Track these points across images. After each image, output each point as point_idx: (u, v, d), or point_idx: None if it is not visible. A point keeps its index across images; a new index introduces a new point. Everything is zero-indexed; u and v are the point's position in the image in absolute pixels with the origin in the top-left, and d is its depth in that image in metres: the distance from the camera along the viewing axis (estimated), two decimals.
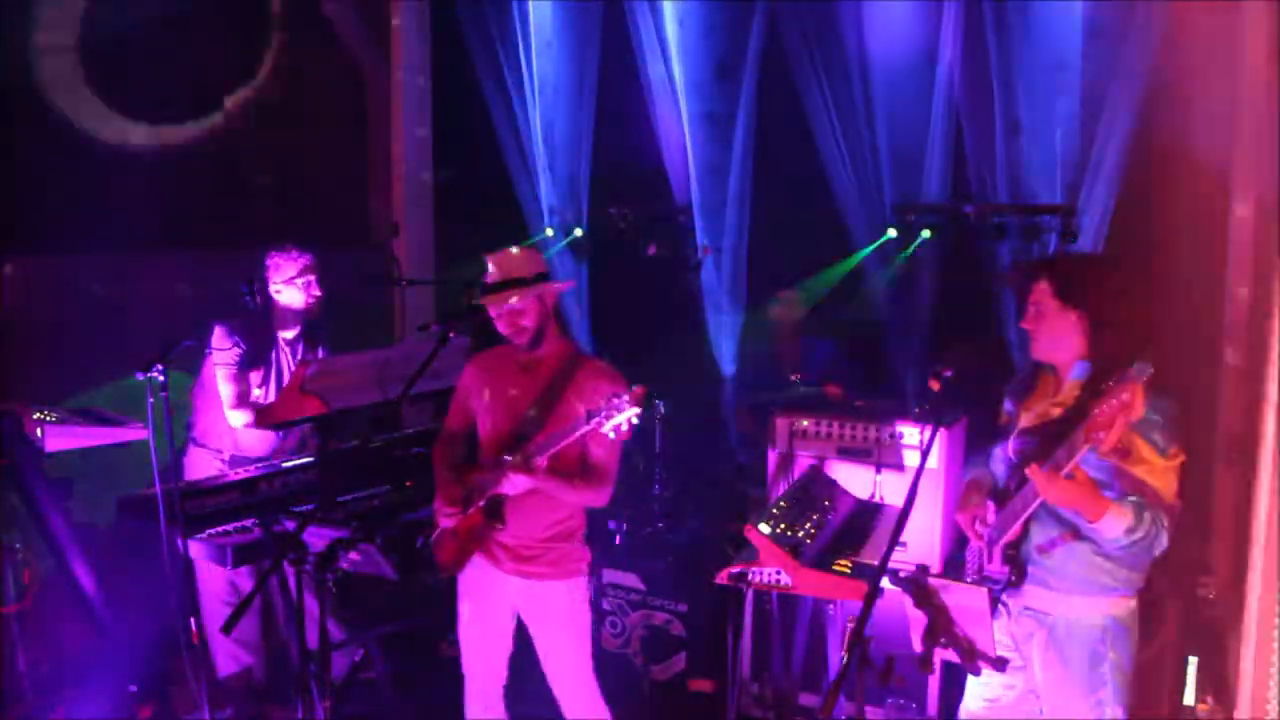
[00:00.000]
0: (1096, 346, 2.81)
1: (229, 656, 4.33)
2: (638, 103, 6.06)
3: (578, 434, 2.85)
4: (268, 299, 4.18)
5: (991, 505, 2.94)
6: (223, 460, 4.23)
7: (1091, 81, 4.64)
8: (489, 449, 3.20)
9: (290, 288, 4.17)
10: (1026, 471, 2.62)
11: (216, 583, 4.17)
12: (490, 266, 3.13)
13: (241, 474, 3.85)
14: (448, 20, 6.44)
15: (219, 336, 4.10)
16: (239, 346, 4.12)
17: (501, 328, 3.12)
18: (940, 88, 5.10)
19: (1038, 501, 2.68)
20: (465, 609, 3.30)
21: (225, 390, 4.13)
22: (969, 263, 5.18)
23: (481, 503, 3.08)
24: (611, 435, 2.77)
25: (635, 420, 2.74)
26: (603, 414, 2.76)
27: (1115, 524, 2.60)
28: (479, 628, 3.29)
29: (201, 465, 4.23)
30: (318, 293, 4.22)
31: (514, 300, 3.05)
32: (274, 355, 4.26)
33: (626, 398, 2.75)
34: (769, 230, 5.93)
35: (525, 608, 3.23)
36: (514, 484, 2.97)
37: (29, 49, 4.76)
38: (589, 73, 6.27)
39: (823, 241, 5.65)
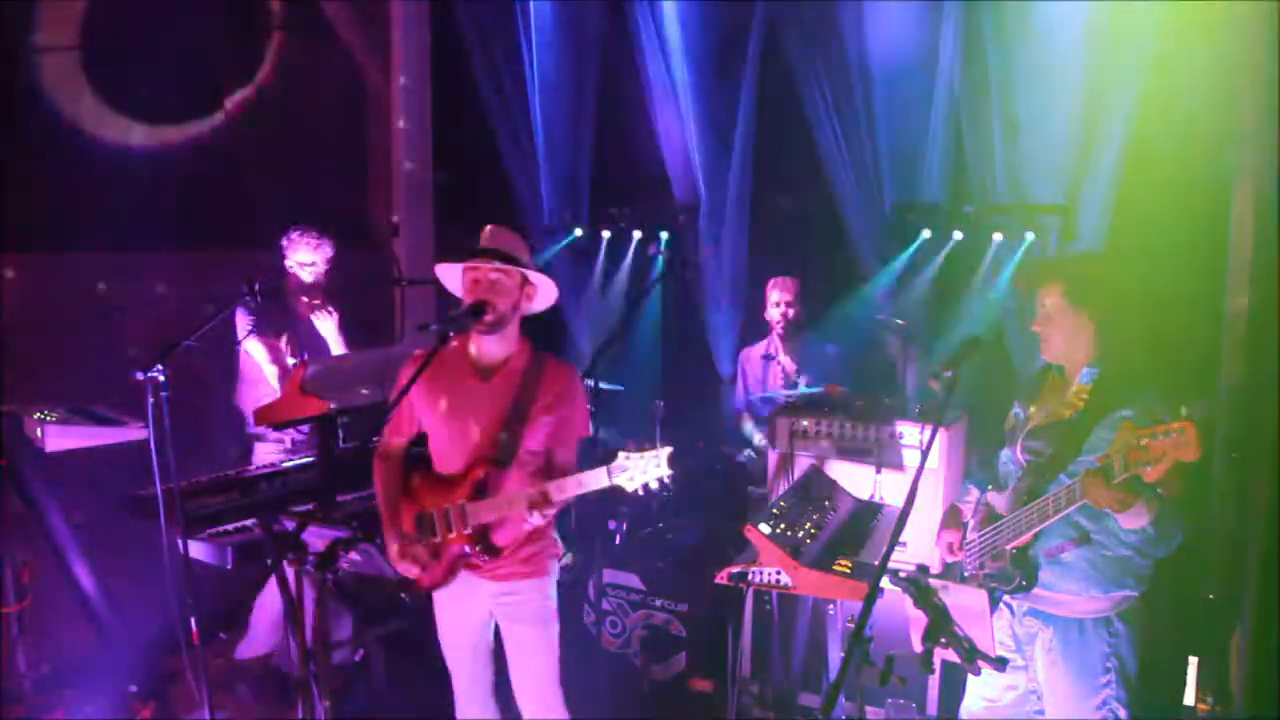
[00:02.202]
0: (1107, 348, 2.82)
1: (262, 642, 4.34)
2: (638, 103, 6.06)
3: (592, 488, 2.78)
4: (283, 272, 4.39)
5: (978, 513, 2.96)
6: (284, 449, 4.31)
7: (1091, 81, 4.64)
8: (447, 464, 3.08)
9: (304, 271, 4.39)
10: (1084, 481, 2.60)
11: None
12: (487, 233, 3.06)
13: (241, 474, 3.85)
14: (447, 20, 6.44)
15: (240, 319, 4.25)
16: (256, 318, 4.27)
17: (470, 295, 2.98)
18: (940, 88, 5.10)
19: (1059, 515, 2.68)
20: (443, 617, 3.25)
21: (261, 359, 4.29)
22: (969, 262, 5.18)
23: (467, 531, 2.98)
24: (641, 493, 2.71)
25: (666, 481, 2.68)
26: (626, 474, 2.68)
27: (1139, 516, 2.61)
28: (459, 634, 3.24)
29: (265, 456, 4.31)
30: (322, 282, 4.43)
31: (486, 271, 2.97)
32: (297, 322, 4.42)
33: (653, 457, 2.67)
34: (769, 230, 5.93)
35: (497, 607, 3.18)
36: (533, 523, 2.91)
37: (29, 49, 4.76)
38: (589, 73, 6.27)
39: (823, 241, 5.65)
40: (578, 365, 3.36)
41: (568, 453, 3.07)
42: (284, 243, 4.39)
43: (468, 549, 3.01)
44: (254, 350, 4.30)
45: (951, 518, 3.15)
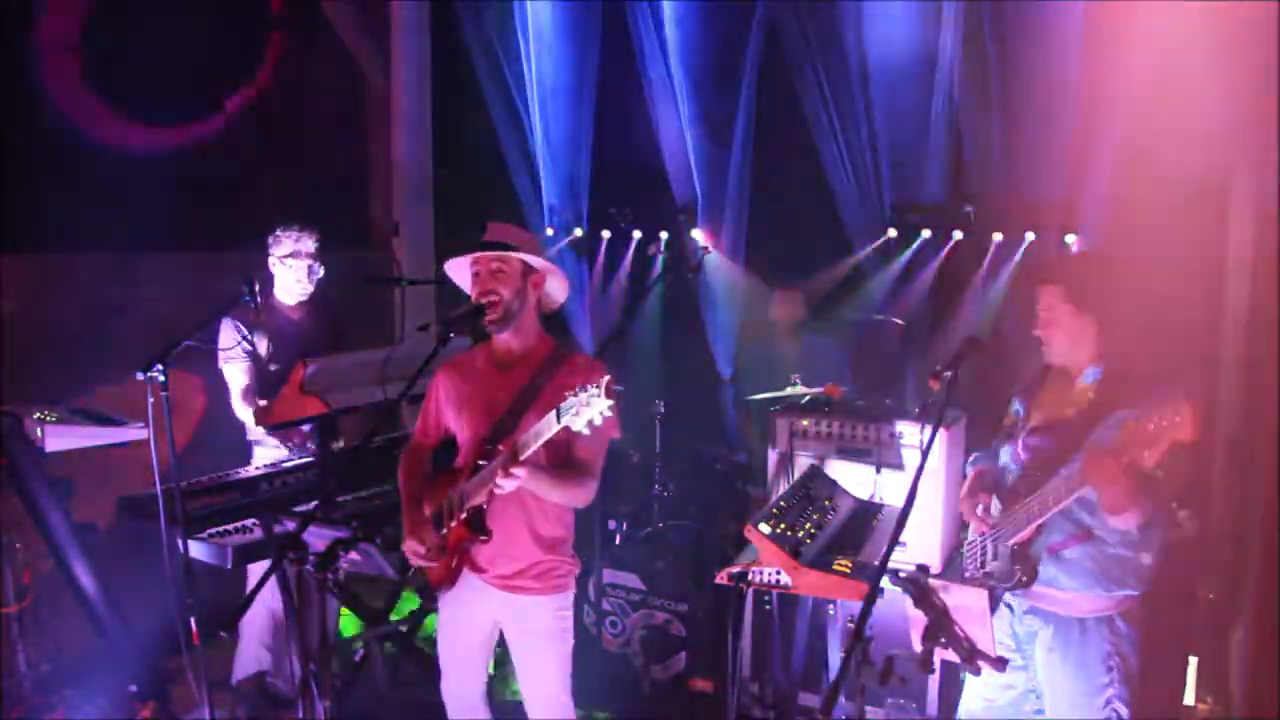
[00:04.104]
0: (1109, 348, 2.82)
1: (251, 659, 4.33)
2: (638, 103, 6.07)
3: (549, 435, 2.70)
4: (269, 283, 4.23)
5: (995, 500, 2.95)
6: (290, 446, 4.24)
7: (1091, 81, 4.64)
8: (467, 455, 3.09)
9: (284, 267, 4.22)
10: (1085, 453, 2.61)
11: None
12: (486, 230, 3.06)
13: (241, 474, 3.85)
14: (448, 20, 6.45)
15: (225, 330, 4.14)
16: (245, 339, 4.16)
17: (474, 289, 3.01)
18: (940, 88, 5.10)
19: (1059, 506, 2.69)
20: (445, 613, 3.23)
21: (233, 384, 4.18)
22: (969, 263, 5.18)
23: (463, 515, 2.96)
24: (586, 432, 2.62)
25: (607, 413, 2.58)
26: (571, 410, 2.61)
27: (1130, 519, 2.62)
28: (459, 633, 3.21)
29: (265, 459, 4.23)
30: (318, 275, 4.28)
31: (482, 261, 2.98)
32: (281, 327, 4.28)
33: (594, 390, 2.57)
34: (769, 230, 5.93)
35: (506, 620, 3.14)
36: (509, 485, 2.80)
37: (29, 49, 4.76)
38: (589, 73, 6.28)
39: (823, 241, 5.65)
40: None
41: (587, 450, 2.98)
42: (269, 240, 4.27)
43: (465, 536, 2.99)
44: (229, 375, 4.18)
45: (979, 482, 3.08)
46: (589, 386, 2.59)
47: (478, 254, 3.02)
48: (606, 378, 2.59)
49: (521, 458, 2.75)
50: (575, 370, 3.02)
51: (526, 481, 2.82)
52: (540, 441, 2.73)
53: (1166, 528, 2.70)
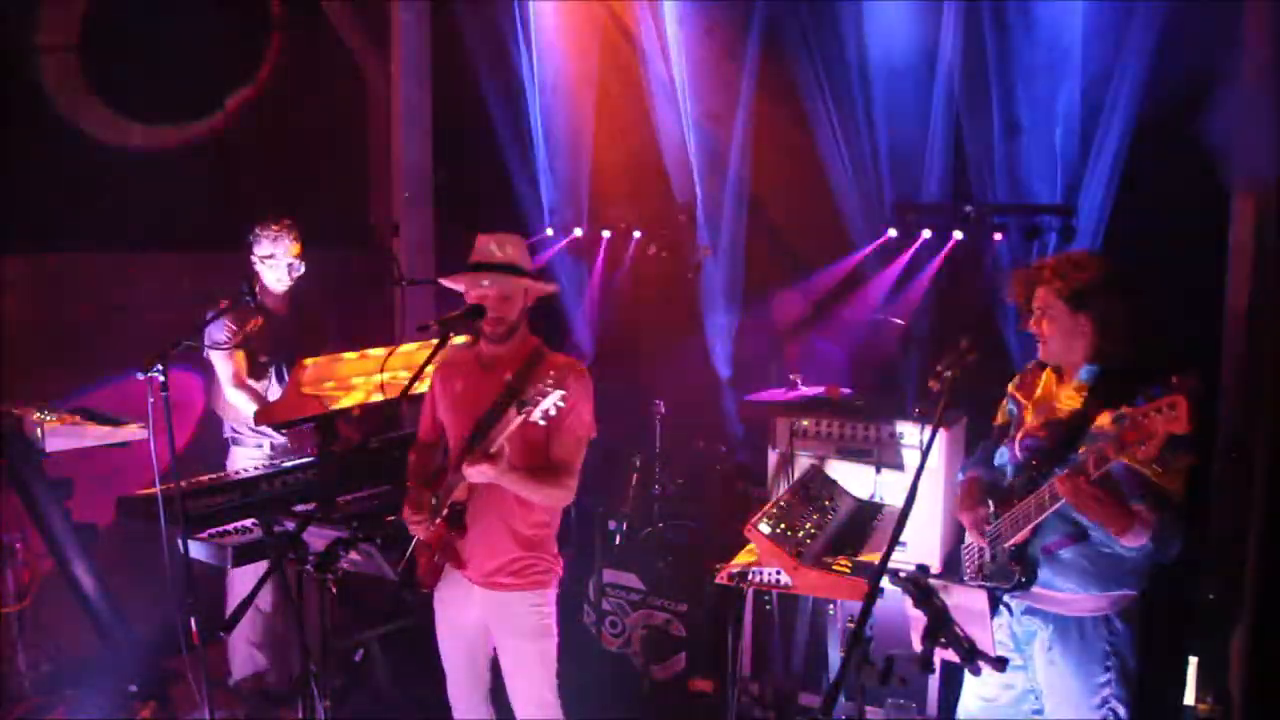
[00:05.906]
0: (1105, 347, 2.81)
1: (246, 660, 4.33)
2: (638, 103, 6.06)
3: (513, 426, 2.80)
4: (256, 279, 4.26)
5: (992, 504, 2.95)
6: (264, 454, 4.26)
7: (1091, 81, 4.64)
8: (454, 453, 3.14)
9: (265, 266, 4.26)
10: (1055, 482, 2.63)
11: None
12: (489, 247, 3.08)
13: (241, 474, 3.85)
14: (448, 20, 6.44)
15: (213, 326, 4.15)
16: (230, 327, 4.17)
17: (490, 314, 3.05)
18: (940, 88, 5.09)
19: (1054, 507, 2.68)
20: (439, 613, 3.27)
21: (222, 371, 4.19)
22: (969, 263, 5.17)
23: (445, 510, 3.03)
24: (542, 421, 2.76)
25: (560, 404, 2.75)
26: (530, 403, 2.75)
27: (1138, 536, 2.62)
28: (453, 635, 3.25)
29: (242, 460, 4.25)
30: (298, 273, 4.31)
31: (492, 286, 3.03)
32: (269, 323, 4.30)
33: (548, 383, 2.75)
34: (769, 230, 5.93)
35: (490, 618, 3.17)
36: (474, 475, 2.90)
37: (29, 49, 4.76)
38: (589, 73, 6.27)
39: (823, 241, 5.65)
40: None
41: (564, 450, 3.04)
42: (250, 239, 4.29)
43: (445, 532, 3.06)
44: (219, 363, 4.21)
45: (973, 494, 3.07)
46: (547, 381, 2.77)
47: (481, 278, 3.05)
48: (558, 370, 2.78)
49: (491, 450, 2.83)
50: (552, 370, 3.05)
51: (500, 478, 2.89)
52: (505, 434, 2.83)
53: (1178, 535, 2.69)
